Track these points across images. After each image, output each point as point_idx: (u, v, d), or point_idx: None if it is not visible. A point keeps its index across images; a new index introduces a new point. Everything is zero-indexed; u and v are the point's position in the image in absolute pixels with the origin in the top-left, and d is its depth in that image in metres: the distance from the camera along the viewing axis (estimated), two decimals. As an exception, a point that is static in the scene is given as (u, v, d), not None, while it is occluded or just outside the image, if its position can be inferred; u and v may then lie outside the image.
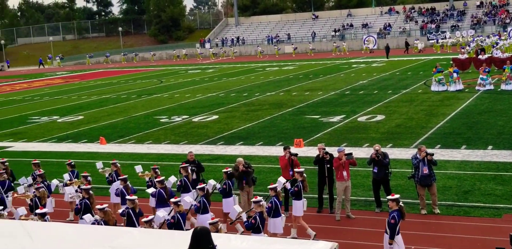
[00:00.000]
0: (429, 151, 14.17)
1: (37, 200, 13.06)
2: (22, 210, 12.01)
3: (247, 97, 34.86)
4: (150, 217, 10.64)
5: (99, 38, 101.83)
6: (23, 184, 14.53)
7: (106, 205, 11.27)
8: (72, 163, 15.44)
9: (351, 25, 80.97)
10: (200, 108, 31.68)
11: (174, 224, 10.81)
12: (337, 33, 79.89)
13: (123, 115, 31.12)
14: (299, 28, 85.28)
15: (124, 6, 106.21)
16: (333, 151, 14.80)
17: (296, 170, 13.17)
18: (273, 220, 11.88)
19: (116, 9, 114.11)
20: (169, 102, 34.97)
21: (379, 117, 25.75)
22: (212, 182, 13.35)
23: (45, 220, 10.97)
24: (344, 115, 26.61)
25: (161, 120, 28.67)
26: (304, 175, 12.88)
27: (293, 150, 15.73)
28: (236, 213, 11.37)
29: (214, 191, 13.31)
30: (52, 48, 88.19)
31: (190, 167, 14.69)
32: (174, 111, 31.23)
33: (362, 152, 19.13)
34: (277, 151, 20.11)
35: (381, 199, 13.97)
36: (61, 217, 14.31)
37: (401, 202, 10.68)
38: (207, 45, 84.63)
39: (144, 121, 28.81)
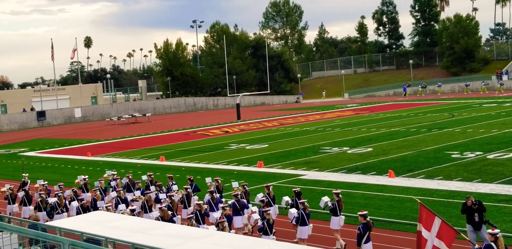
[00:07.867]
0: None
1: (145, 201, 18.25)
2: (123, 206, 17.17)
3: (551, 134, 31.56)
4: (189, 215, 14.64)
5: (389, 71, 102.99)
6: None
7: (164, 204, 16.04)
8: (191, 178, 20.26)
9: None
10: (495, 145, 29.54)
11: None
12: None
13: (412, 149, 30.52)
14: None
15: (416, 39, 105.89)
16: None
17: (334, 191, 15.77)
18: (301, 228, 14.97)
19: (407, 41, 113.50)
20: (462, 137, 33.31)
21: None
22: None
23: (134, 215, 15.11)
24: None
25: (452, 155, 27.39)
26: (340, 196, 15.59)
27: None
28: (254, 220, 14.86)
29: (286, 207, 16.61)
30: (343, 81, 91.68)
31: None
32: (466, 147, 29.62)
33: None
34: None
35: None
36: None
37: (368, 218, 13.02)
38: (505, 77, 79.54)
39: (434, 156, 27.82)
